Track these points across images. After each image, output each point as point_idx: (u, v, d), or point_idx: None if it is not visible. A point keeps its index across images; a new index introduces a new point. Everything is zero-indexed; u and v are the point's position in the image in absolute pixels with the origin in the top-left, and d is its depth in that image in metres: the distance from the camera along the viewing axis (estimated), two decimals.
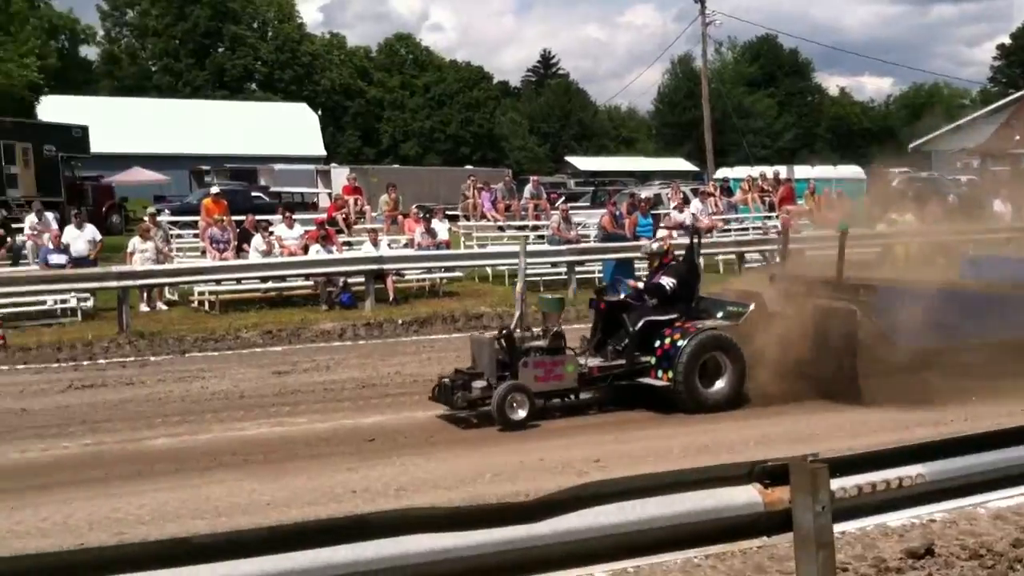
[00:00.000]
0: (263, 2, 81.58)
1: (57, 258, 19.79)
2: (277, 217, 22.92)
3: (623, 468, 8.67)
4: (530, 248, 23.20)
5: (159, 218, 22.48)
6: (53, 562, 3.73)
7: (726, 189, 30.18)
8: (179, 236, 24.56)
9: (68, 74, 51.65)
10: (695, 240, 13.01)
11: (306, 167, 51.73)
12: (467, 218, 27.83)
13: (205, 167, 48.09)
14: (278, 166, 49.46)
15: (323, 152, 68.67)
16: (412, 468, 9.45)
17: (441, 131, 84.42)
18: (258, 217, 22.49)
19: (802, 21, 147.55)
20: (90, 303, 19.61)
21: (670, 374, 11.51)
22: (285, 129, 67.03)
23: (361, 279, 20.58)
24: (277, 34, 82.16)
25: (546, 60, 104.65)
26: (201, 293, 20.63)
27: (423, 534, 3.95)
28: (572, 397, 11.74)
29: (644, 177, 56.92)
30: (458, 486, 8.77)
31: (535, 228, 26.91)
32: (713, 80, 65.28)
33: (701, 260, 13.37)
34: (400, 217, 25.75)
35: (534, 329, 11.78)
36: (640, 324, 11.87)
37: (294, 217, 22.68)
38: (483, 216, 27.57)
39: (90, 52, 68.26)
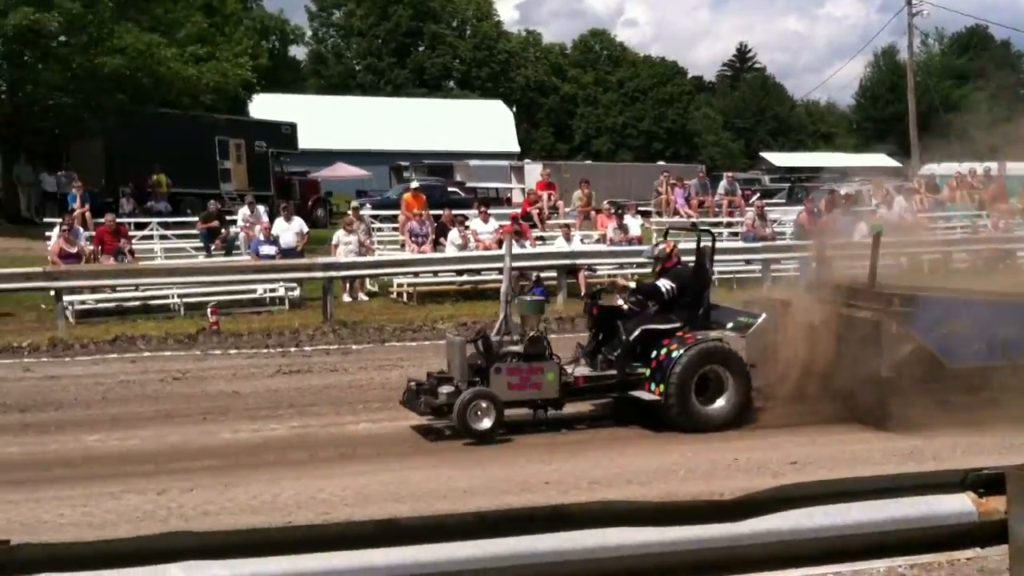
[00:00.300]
0: (462, 1, 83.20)
1: (267, 249, 20.79)
2: (473, 212, 23.39)
3: (822, 471, 8.47)
4: (724, 245, 22.94)
5: (362, 212, 23.25)
6: (261, 538, 3.92)
7: (932, 186, 28.93)
8: (379, 229, 25.36)
9: (278, 73, 53.96)
10: (702, 244, 12.03)
11: (500, 163, 52.48)
12: (659, 214, 27.65)
13: (404, 163, 49.52)
14: (473, 162, 50.44)
15: (517, 148, 69.47)
16: (605, 462, 9.49)
17: (634, 127, 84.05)
18: (454, 212, 23.01)
19: (1013, 10, 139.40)
20: (296, 292, 20.50)
21: (662, 388, 10.55)
22: (481, 126, 68.19)
23: (553, 273, 20.76)
24: (475, 32, 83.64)
25: (742, 54, 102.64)
26: (400, 285, 21.27)
27: (624, 528, 3.96)
28: (553, 409, 10.79)
29: (842, 174, 55.09)
30: (651, 482, 8.76)
31: (729, 225, 26.51)
32: (919, 73, 62.55)
33: (712, 265, 12.07)
34: (593, 213, 25.85)
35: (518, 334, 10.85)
36: (637, 332, 10.94)
37: (489, 212, 23.10)
38: (676, 212, 27.33)
39: (298, 52, 71.31)
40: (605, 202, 25.70)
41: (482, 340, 10.79)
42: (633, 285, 12.09)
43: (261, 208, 24.45)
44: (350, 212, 23.21)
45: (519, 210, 25.75)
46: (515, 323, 10.97)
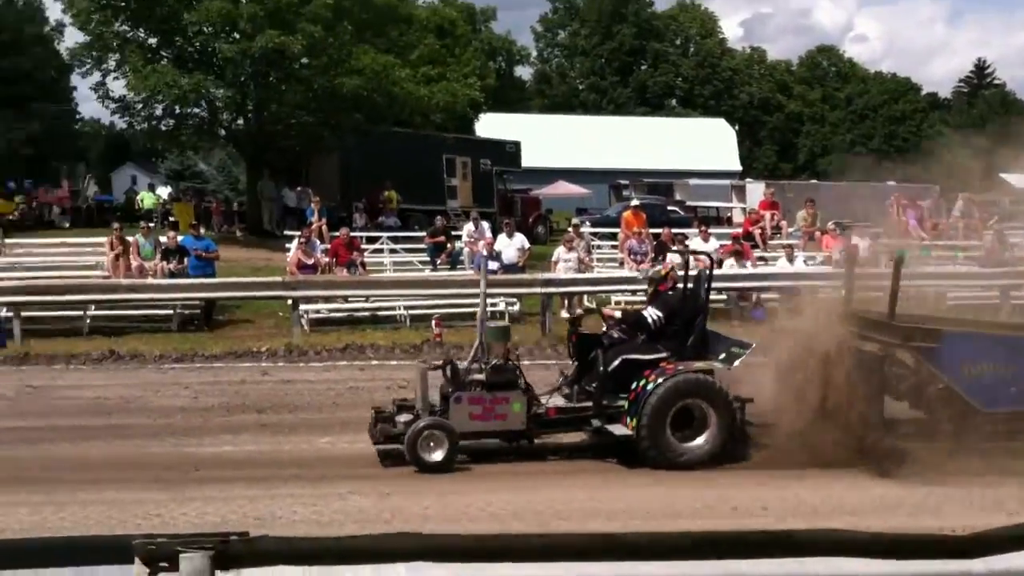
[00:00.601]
0: (686, 19, 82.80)
1: (489, 264, 21.23)
2: (693, 231, 23.15)
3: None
4: (961, 269, 21.78)
5: (582, 229, 23.43)
6: (479, 544, 3.98)
7: None
8: (599, 247, 25.45)
9: (504, 93, 55.23)
10: (688, 269, 11.22)
11: (721, 182, 51.81)
12: (890, 236, 26.52)
13: (624, 181, 49.60)
14: (694, 181, 49.96)
15: (739, 167, 68.42)
16: (825, 489, 9.18)
17: (863, 145, 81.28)
18: (674, 230, 22.84)
19: None
20: (517, 307, 20.83)
21: (635, 422, 9.83)
22: (702, 144, 67.57)
23: (775, 295, 20.27)
24: (699, 50, 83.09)
25: (980, 70, 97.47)
26: (618, 303, 21.25)
27: (853, 558, 3.83)
28: (524, 441, 10.24)
29: None
30: (873, 513, 8.42)
31: (965, 249, 25.18)
32: None
33: (709, 291, 11.10)
34: (817, 234, 25.10)
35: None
36: (617, 362, 10.25)
37: (709, 231, 22.80)
38: (908, 234, 26.16)
39: (524, 72, 72.71)
40: (830, 223, 24.86)
41: (450, 367, 10.33)
42: (618, 314, 11.34)
43: (485, 224, 25.00)
44: (570, 229, 23.41)
45: (740, 230, 25.31)
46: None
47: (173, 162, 62.87)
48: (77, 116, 63.96)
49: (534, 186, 47.23)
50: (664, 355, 10.26)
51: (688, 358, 10.26)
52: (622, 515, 8.30)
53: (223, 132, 34.51)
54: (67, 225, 34.63)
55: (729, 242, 22.15)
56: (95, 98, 36.10)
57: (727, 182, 51.62)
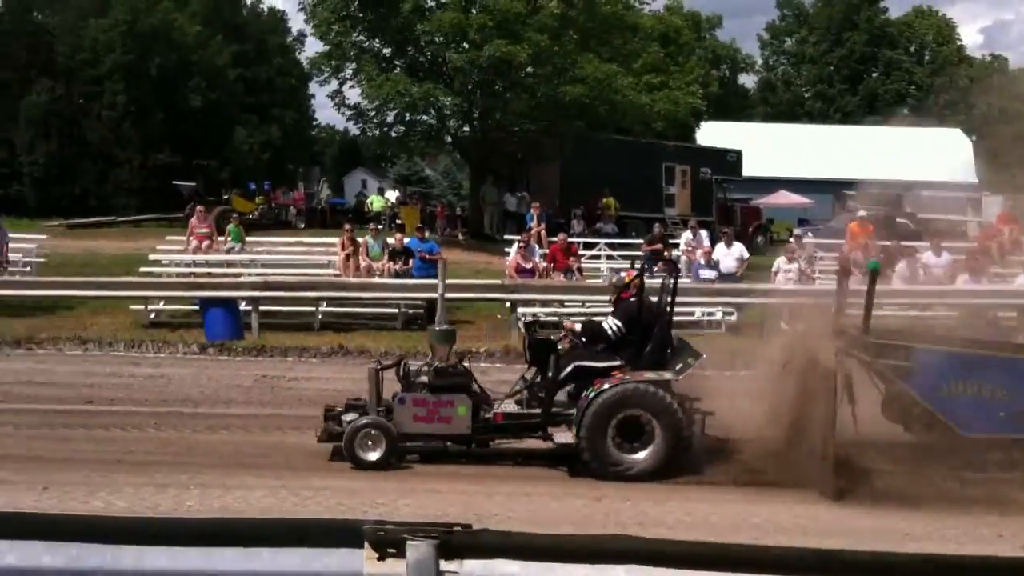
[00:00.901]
0: (922, 26, 79.34)
1: (707, 273, 21.03)
2: (924, 244, 22.18)
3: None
4: None
5: (804, 240, 22.86)
6: (692, 551, 3.97)
7: None
8: (821, 258, 24.76)
9: (726, 101, 54.54)
10: (644, 276, 10.93)
11: (955, 194, 49.29)
12: None
13: (849, 192, 47.92)
14: (925, 192, 47.76)
15: (975, 179, 64.94)
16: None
17: None
18: (903, 243, 21.94)
19: None
20: (735, 317, 20.51)
21: (575, 431, 9.64)
22: (934, 154, 64.52)
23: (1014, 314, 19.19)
24: (934, 57, 79.41)
25: None
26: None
27: None
28: (473, 446, 10.15)
29: None
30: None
31: None
32: None
33: (673, 300, 10.64)
34: None
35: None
36: (569, 369, 10.02)
37: (942, 244, 21.79)
38: None
39: (747, 80, 71.52)
40: None
41: (402, 367, 10.32)
42: (578, 328, 10.94)
43: (703, 233, 24.77)
44: (792, 240, 22.87)
45: (975, 244, 24.05)
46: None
47: (401, 167, 65.33)
48: (314, 123, 67.38)
49: (755, 195, 46.37)
50: (617, 363, 10.09)
51: (642, 367, 10.03)
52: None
53: (449, 139, 35.62)
54: (302, 225, 36.57)
55: (963, 256, 21.10)
56: (331, 105, 37.98)
57: (962, 194, 49.08)
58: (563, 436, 10.04)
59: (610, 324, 10.49)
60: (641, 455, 9.73)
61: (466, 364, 10.60)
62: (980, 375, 9.29)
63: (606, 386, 9.78)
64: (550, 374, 10.21)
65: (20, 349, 16.99)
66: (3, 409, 12.17)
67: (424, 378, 10.30)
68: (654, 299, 10.80)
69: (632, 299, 10.64)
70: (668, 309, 10.60)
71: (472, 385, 10.30)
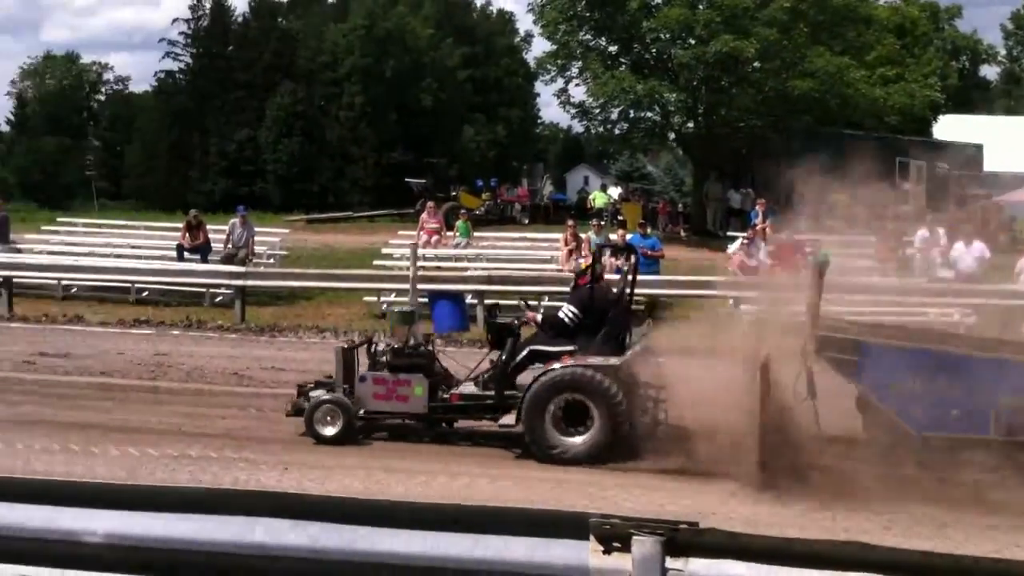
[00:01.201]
0: None
1: (944, 273, 20.10)
2: None
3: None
4: None
5: None
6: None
7: None
8: None
9: (967, 93, 51.85)
10: (603, 261, 11.07)
11: None
12: None
13: None
14: None
15: None
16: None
17: None
18: None
19: None
20: (972, 319, 19.46)
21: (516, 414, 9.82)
22: None
23: None
24: None
25: None
26: None
27: None
28: (432, 424, 10.56)
29: None
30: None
31: None
32: None
33: (633, 286, 10.93)
34: None
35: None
36: (524, 353, 10.25)
37: None
38: None
39: (990, 72, 67.71)
40: None
41: (366, 346, 10.69)
42: (540, 318, 10.75)
43: (940, 230, 23.63)
44: None
45: None
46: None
47: (623, 164, 65.39)
48: (538, 121, 68.33)
49: (996, 191, 43.89)
50: (570, 348, 10.12)
51: (594, 352, 10.01)
52: None
53: (672, 135, 35.46)
54: (526, 221, 37.23)
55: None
56: (556, 103, 38.49)
57: None
58: (508, 418, 10.19)
59: (566, 312, 10.61)
60: (579, 439, 9.81)
61: (431, 347, 10.96)
62: (933, 373, 8.98)
63: (552, 369, 9.93)
64: (503, 357, 10.45)
65: (264, 336, 18.07)
66: (248, 393, 12.99)
67: (386, 358, 10.69)
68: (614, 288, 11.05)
69: (587, 286, 10.79)
70: (628, 294, 10.80)
71: (434, 366, 10.70)
